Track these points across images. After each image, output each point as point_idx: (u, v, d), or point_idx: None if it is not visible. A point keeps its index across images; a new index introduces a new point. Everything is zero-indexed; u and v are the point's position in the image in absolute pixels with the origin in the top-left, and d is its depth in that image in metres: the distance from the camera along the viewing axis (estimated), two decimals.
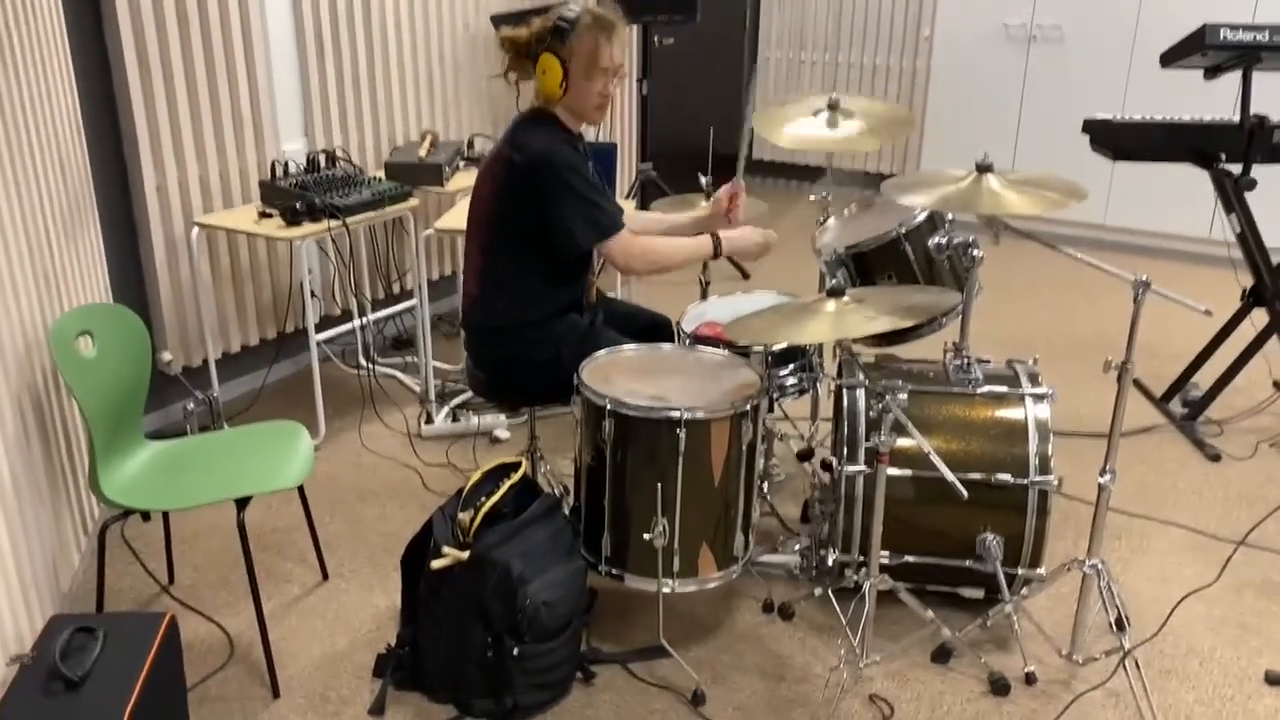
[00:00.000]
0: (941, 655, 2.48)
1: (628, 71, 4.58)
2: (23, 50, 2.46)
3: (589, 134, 2.81)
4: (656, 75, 5.39)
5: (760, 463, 2.68)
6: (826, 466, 3.14)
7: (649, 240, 2.65)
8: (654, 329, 2.94)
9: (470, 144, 4.24)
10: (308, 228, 3.24)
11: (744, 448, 2.39)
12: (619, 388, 2.39)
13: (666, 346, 2.66)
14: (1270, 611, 2.68)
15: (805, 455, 3.17)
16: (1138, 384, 3.97)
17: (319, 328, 3.52)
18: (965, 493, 2.22)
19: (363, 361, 4.04)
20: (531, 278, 2.62)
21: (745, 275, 5.15)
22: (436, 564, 2.29)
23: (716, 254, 2.69)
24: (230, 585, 2.74)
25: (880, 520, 2.27)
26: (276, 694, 2.35)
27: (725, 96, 6.55)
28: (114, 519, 2.39)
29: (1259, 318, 3.61)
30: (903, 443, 2.48)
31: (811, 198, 3.28)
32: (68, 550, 2.57)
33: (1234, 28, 3.26)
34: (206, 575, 2.78)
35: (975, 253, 2.59)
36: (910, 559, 2.55)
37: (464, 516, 2.33)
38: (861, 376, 2.56)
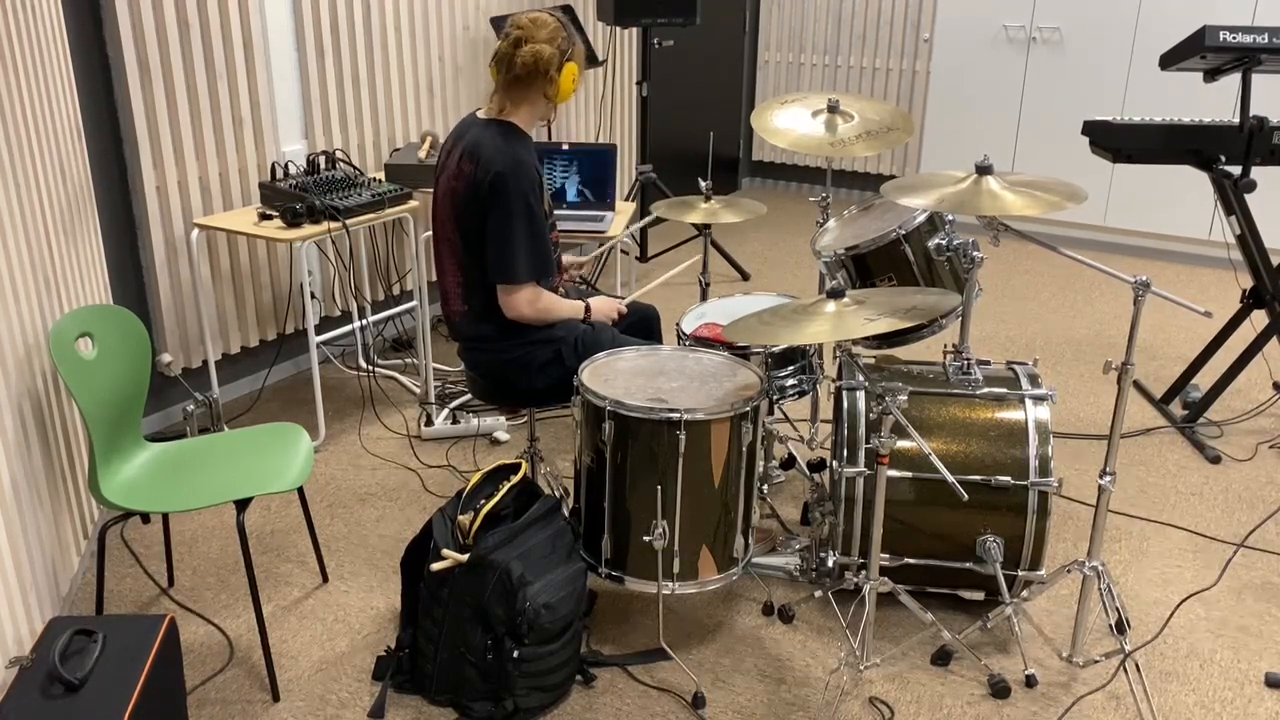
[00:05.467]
0: (942, 658, 2.48)
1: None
2: (23, 52, 2.46)
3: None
4: (656, 77, 5.39)
5: (760, 464, 2.68)
6: (817, 468, 3.14)
7: (551, 296, 2.65)
8: (644, 323, 2.96)
9: None
10: (308, 229, 3.24)
11: (744, 449, 2.39)
12: (619, 389, 2.40)
13: (666, 348, 2.66)
14: (1270, 614, 2.68)
15: (816, 466, 3.17)
16: (1138, 386, 3.97)
17: (319, 329, 3.53)
18: (965, 494, 2.22)
19: (362, 363, 4.04)
20: None
21: (745, 276, 5.15)
22: (436, 566, 2.29)
23: (585, 318, 2.73)
24: (230, 588, 2.74)
25: (880, 522, 2.27)
26: (276, 697, 2.35)
27: (724, 99, 6.55)
28: (113, 521, 2.39)
29: (1259, 319, 3.61)
30: (903, 444, 2.48)
31: (811, 199, 3.28)
32: (67, 552, 2.56)
33: (1234, 30, 3.26)
34: (206, 577, 2.78)
35: (975, 254, 2.59)
36: (910, 561, 2.55)
37: (464, 518, 2.33)
38: (861, 378, 2.56)
